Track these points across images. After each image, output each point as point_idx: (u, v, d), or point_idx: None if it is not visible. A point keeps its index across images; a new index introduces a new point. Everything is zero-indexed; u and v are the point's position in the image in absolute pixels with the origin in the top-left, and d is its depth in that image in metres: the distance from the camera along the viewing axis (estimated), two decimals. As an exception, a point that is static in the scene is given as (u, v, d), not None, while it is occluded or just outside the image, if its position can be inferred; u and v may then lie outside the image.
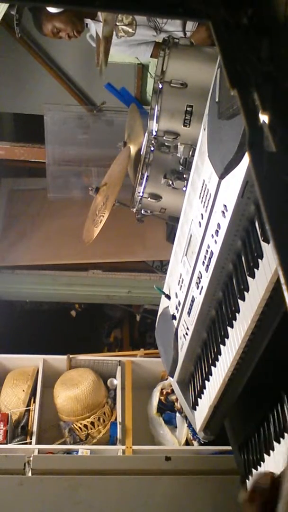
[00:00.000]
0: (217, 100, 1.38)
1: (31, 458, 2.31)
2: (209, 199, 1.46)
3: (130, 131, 2.51)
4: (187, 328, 1.79)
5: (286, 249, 0.63)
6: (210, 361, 1.66)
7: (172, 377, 2.03)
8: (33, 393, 2.90)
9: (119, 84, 3.30)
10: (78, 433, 2.82)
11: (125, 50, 2.89)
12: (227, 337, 1.52)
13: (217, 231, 1.42)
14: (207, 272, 1.54)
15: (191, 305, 1.72)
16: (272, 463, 1.53)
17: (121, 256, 3.44)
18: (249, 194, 1.25)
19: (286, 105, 0.68)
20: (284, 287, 0.62)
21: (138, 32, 2.83)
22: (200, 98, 1.77)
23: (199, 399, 1.87)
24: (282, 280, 0.62)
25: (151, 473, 2.31)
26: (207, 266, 1.53)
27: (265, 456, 1.57)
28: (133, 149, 2.40)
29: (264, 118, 0.66)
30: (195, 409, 1.94)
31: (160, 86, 1.89)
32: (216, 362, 1.63)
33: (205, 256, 1.55)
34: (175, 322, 1.91)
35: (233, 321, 1.45)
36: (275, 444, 1.50)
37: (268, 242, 1.20)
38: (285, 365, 1.46)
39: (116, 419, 2.85)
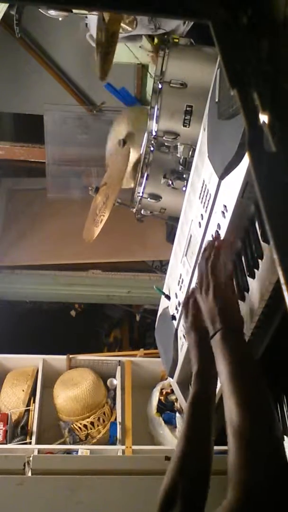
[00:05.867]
0: (217, 100, 1.38)
1: (31, 458, 2.31)
2: (209, 200, 1.46)
3: (132, 131, 2.51)
4: (187, 328, 1.78)
5: (286, 249, 0.63)
6: (210, 361, 1.66)
7: (172, 377, 2.03)
8: (33, 393, 2.90)
9: (119, 84, 3.30)
10: (78, 433, 2.82)
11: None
12: (227, 337, 1.51)
13: (217, 232, 1.42)
14: (207, 272, 1.53)
15: (191, 305, 1.71)
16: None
17: (121, 256, 3.44)
18: (249, 194, 1.25)
19: (286, 105, 0.68)
20: (284, 287, 0.62)
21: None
22: (200, 98, 1.78)
23: (199, 399, 1.86)
24: (282, 280, 0.62)
25: (151, 473, 2.30)
26: (207, 266, 1.53)
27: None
28: (133, 151, 2.40)
29: (264, 118, 0.66)
30: (195, 409, 1.94)
31: (160, 86, 1.89)
32: (216, 362, 1.62)
33: (205, 256, 1.54)
34: (175, 323, 1.91)
35: (233, 321, 1.45)
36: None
37: (268, 242, 1.20)
38: (285, 365, 1.46)
39: (116, 419, 2.85)
